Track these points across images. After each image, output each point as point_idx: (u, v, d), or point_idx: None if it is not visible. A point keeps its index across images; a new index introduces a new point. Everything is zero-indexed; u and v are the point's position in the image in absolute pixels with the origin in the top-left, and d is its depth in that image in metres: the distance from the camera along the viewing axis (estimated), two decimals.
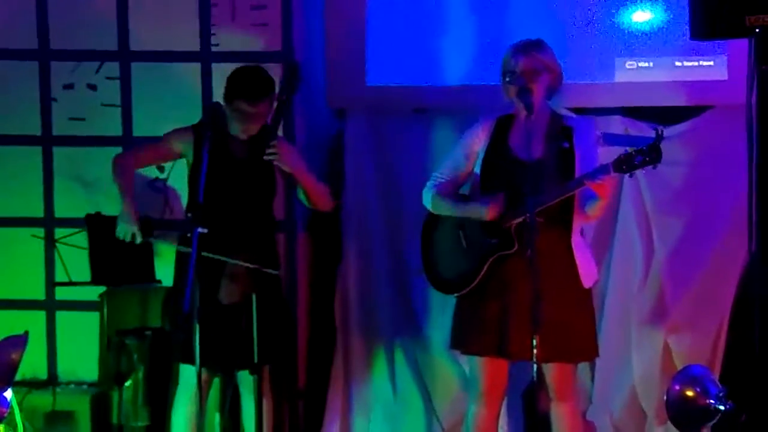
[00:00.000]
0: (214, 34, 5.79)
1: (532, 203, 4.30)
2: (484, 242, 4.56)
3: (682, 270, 5.49)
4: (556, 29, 5.40)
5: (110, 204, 5.77)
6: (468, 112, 5.31)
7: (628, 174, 4.33)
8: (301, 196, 5.02)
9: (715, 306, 5.49)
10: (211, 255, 4.64)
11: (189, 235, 4.53)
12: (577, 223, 4.60)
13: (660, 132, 4.31)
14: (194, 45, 5.79)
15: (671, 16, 5.46)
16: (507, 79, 4.59)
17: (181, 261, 4.91)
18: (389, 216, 5.74)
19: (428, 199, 4.74)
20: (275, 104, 4.79)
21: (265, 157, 4.75)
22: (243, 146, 4.92)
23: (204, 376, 4.77)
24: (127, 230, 4.88)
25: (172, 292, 4.99)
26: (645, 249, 5.53)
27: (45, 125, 5.90)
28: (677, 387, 4.37)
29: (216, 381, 5.02)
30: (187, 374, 4.87)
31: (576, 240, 4.60)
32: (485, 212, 4.53)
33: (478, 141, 4.68)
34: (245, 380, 4.96)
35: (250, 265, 4.74)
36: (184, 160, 5.03)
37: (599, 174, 4.34)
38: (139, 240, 4.89)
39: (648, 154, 4.29)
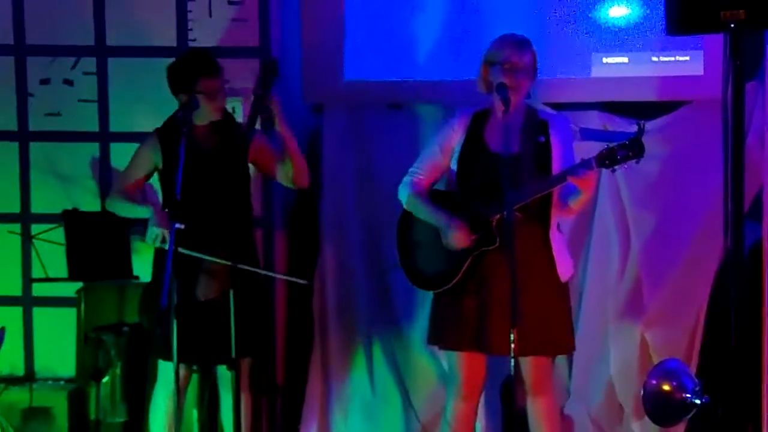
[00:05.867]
0: (191, 30, 5.77)
1: (511, 199, 4.31)
2: None
3: (659, 264, 5.51)
4: (533, 25, 5.41)
5: (87, 199, 5.77)
6: (446, 107, 5.33)
7: (610, 169, 4.34)
8: (284, 173, 4.93)
9: (691, 300, 5.51)
10: (188, 252, 4.64)
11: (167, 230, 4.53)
12: (554, 218, 4.61)
13: (642, 126, 4.32)
14: (171, 40, 5.77)
15: (647, 12, 5.47)
16: (491, 70, 4.57)
17: (159, 257, 4.90)
18: (367, 211, 5.74)
19: (404, 197, 4.73)
20: (252, 99, 4.78)
21: (261, 115, 4.73)
22: (210, 138, 4.90)
23: (182, 372, 4.77)
24: (157, 233, 4.77)
25: (150, 288, 4.98)
26: (622, 243, 5.55)
27: (21, 120, 5.86)
28: (654, 381, 4.39)
29: (194, 377, 5.02)
30: (166, 370, 4.85)
31: (553, 234, 4.60)
32: (452, 238, 4.53)
33: (454, 136, 4.68)
34: (224, 376, 4.95)
35: (224, 262, 4.72)
36: None
37: (582, 169, 4.34)
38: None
39: (630, 149, 4.29)
